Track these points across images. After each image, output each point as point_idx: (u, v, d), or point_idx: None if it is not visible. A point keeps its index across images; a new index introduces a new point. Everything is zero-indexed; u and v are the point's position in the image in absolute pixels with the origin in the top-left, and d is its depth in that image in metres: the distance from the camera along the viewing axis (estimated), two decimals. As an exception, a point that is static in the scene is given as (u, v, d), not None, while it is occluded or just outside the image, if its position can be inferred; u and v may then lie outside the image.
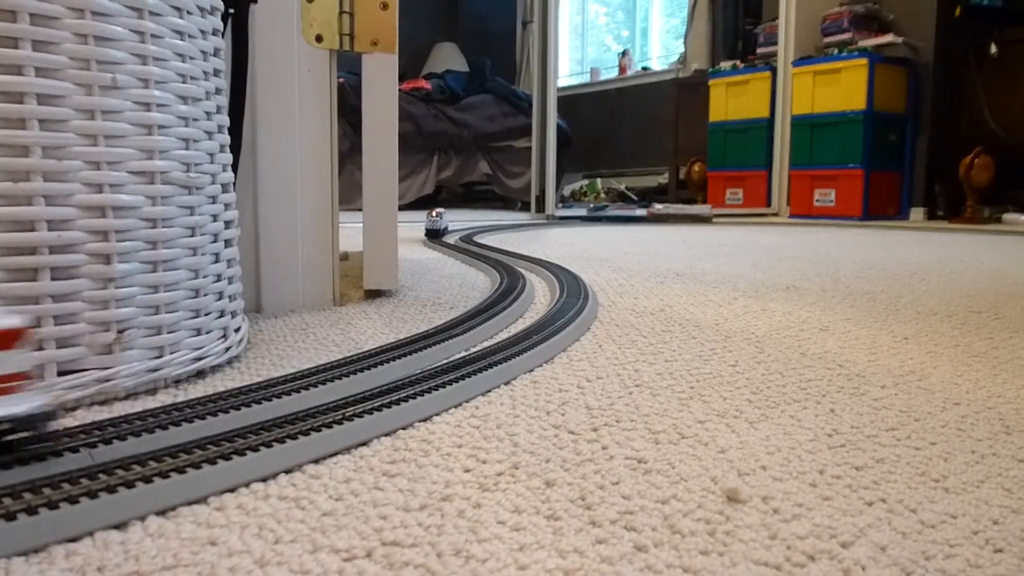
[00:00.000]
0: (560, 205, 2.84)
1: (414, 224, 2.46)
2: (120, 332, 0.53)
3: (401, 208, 3.67)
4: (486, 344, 0.71)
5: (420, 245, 1.85)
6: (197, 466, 0.37)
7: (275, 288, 0.88)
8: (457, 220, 2.49)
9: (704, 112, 3.62)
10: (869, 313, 0.91)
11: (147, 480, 0.36)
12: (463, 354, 0.66)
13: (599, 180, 4.25)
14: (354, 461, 0.42)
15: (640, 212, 2.74)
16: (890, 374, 0.62)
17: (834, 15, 3.17)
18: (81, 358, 0.52)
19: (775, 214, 3.36)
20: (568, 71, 5.32)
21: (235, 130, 0.76)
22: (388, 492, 0.38)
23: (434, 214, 1.90)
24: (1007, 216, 2.82)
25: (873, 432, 0.48)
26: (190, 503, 0.37)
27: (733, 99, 3.49)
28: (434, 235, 1.85)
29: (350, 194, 2.62)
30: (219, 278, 0.63)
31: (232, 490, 0.38)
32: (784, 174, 3.32)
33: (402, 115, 3.57)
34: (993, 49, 2.85)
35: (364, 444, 0.45)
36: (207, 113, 0.61)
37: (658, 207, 2.76)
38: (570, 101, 4.67)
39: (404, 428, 0.48)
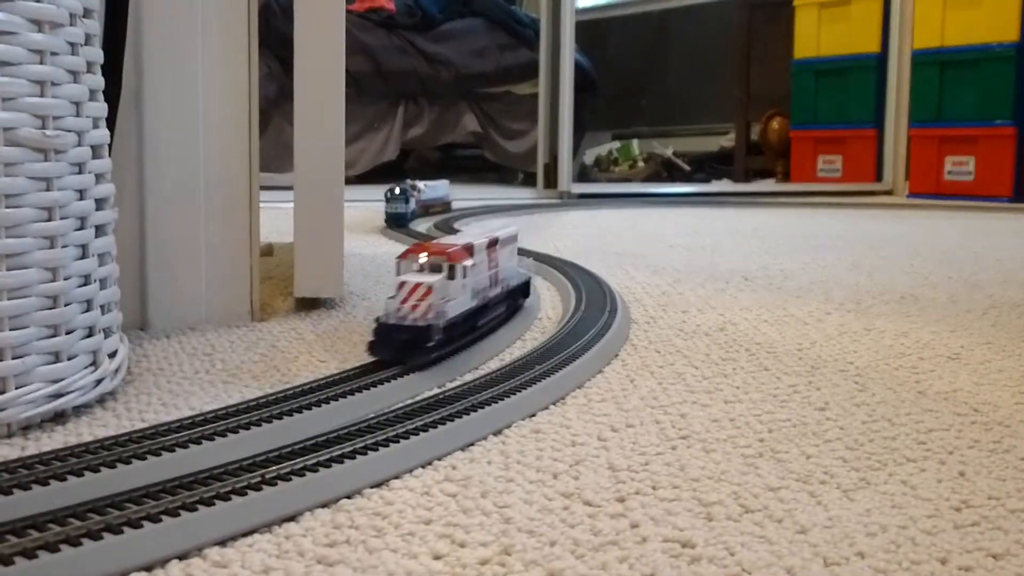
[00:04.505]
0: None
1: (369, 204, 2.47)
2: (-56, 357, 0.54)
3: (352, 181, 3.68)
4: (469, 377, 0.71)
5: (377, 235, 1.86)
6: (53, 548, 0.38)
7: (167, 295, 0.89)
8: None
9: (786, 45, 3.63)
10: (1019, 335, 0.92)
11: (-20, 568, 0.36)
12: (436, 392, 0.66)
13: (635, 142, 4.25)
14: (277, 543, 0.43)
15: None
16: (1046, 422, 0.63)
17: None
18: None
19: (888, 192, 3.37)
20: (592, -15, 5.33)
21: (112, 69, 0.77)
22: (324, 587, 0.38)
23: None
24: None
25: (1019, 505, 0.48)
26: (41, 601, 0.37)
27: (828, 26, 3.50)
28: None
29: (277, 160, 2.62)
30: (87, 280, 0.63)
31: (102, 583, 0.38)
32: (901, 134, 3.33)
33: (354, 47, 3.58)
34: None
35: (292, 519, 0.45)
36: (71, 44, 0.61)
37: None
38: (594, 28, 4.68)
39: (349, 496, 0.48)
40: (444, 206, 2.26)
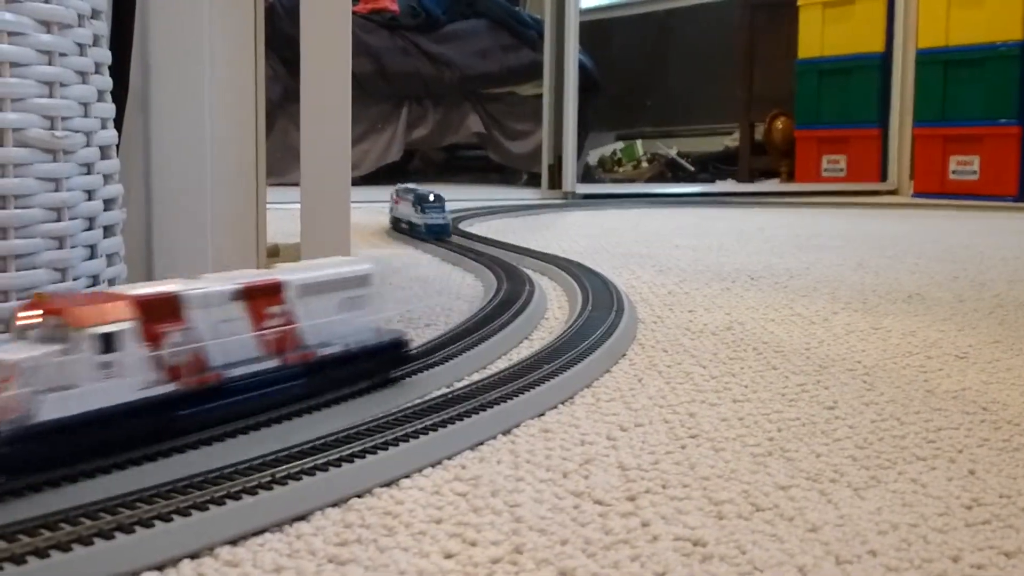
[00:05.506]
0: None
1: (373, 205, 2.47)
2: (-46, 358, 0.54)
3: (356, 182, 3.68)
4: (477, 377, 0.71)
5: (383, 236, 1.86)
6: (65, 547, 0.38)
7: (175, 296, 0.89)
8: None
9: (790, 45, 3.63)
10: (1026, 334, 0.92)
11: (-7, 568, 0.36)
12: (444, 391, 0.66)
13: (639, 143, 4.26)
14: (288, 542, 0.43)
15: None
16: (1055, 421, 0.63)
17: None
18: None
19: (892, 191, 3.37)
20: (595, -14, 5.33)
21: (119, 71, 0.77)
22: (336, 586, 0.38)
23: None
24: None
25: (1030, 503, 0.48)
26: (54, 601, 0.37)
27: (832, 26, 3.50)
28: None
29: (282, 162, 2.63)
30: (95, 281, 0.63)
31: (114, 583, 0.38)
32: (906, 134, 3.33)
33: (357, 48, 3.58)
34: None
35: (302, 518, 0.45)
36: (79, 45, 0.62)
37: None
38: (598, 29, 4.68)
39: (360, 495, 0.48)
40: None
